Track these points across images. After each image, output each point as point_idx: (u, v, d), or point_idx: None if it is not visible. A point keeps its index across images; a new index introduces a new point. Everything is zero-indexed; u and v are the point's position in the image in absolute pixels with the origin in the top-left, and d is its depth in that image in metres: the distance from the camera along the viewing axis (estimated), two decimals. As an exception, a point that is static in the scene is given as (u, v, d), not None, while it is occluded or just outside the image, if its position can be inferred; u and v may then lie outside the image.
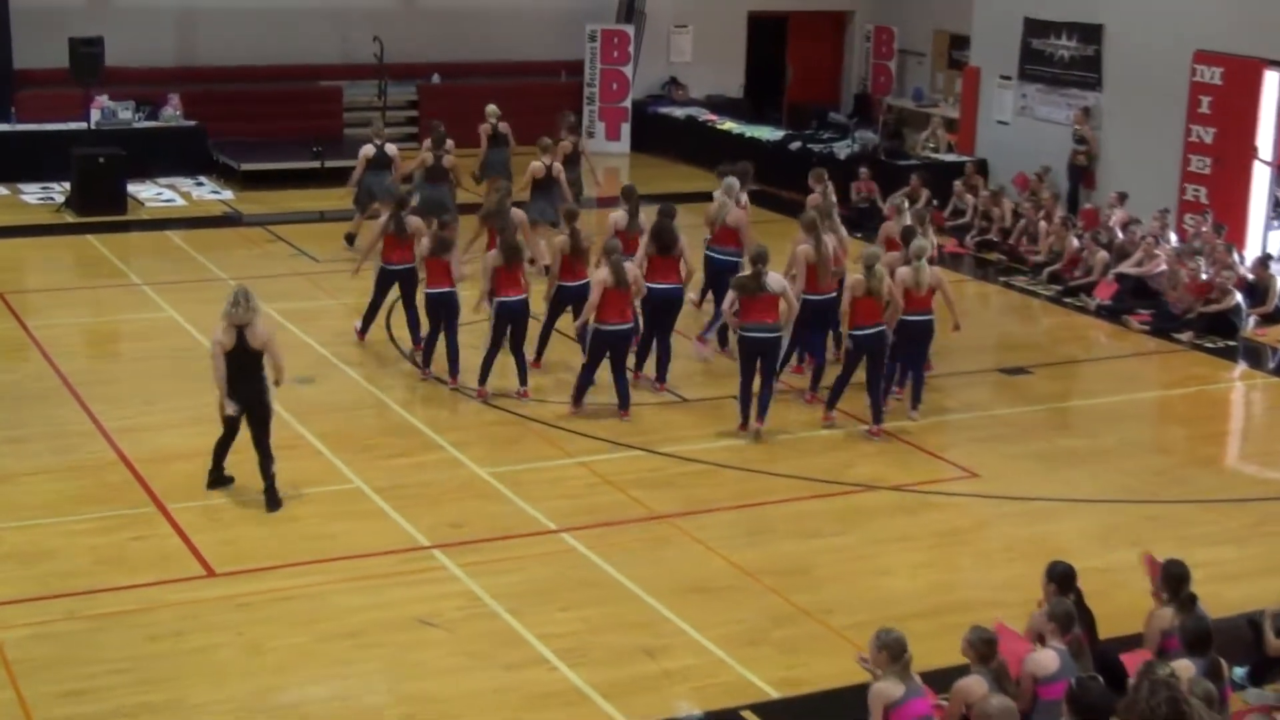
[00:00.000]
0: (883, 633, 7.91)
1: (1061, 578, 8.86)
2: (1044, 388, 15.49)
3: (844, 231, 15.73)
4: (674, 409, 14.16)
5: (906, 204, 16.00)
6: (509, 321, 13.99)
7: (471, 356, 14.44)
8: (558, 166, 18.39)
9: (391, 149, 19.38)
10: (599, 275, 13.62)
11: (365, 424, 13.79)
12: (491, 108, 20.24)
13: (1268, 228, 19.61)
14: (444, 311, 14.34)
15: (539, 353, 15.00)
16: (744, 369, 13.46)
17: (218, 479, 12.00)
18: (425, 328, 14.74)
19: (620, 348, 13.78)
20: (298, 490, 12.01)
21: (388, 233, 15.08)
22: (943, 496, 12.53)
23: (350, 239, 19.27)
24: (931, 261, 13.90)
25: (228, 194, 22.98)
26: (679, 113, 27.35)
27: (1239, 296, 17.38)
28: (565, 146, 19.22)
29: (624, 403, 13.85)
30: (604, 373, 13.82)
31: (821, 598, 10.53)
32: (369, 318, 15.63)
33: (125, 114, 23.60)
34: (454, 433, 13.48)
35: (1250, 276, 17.97)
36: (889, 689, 7.81)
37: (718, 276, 15.31)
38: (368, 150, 19.16)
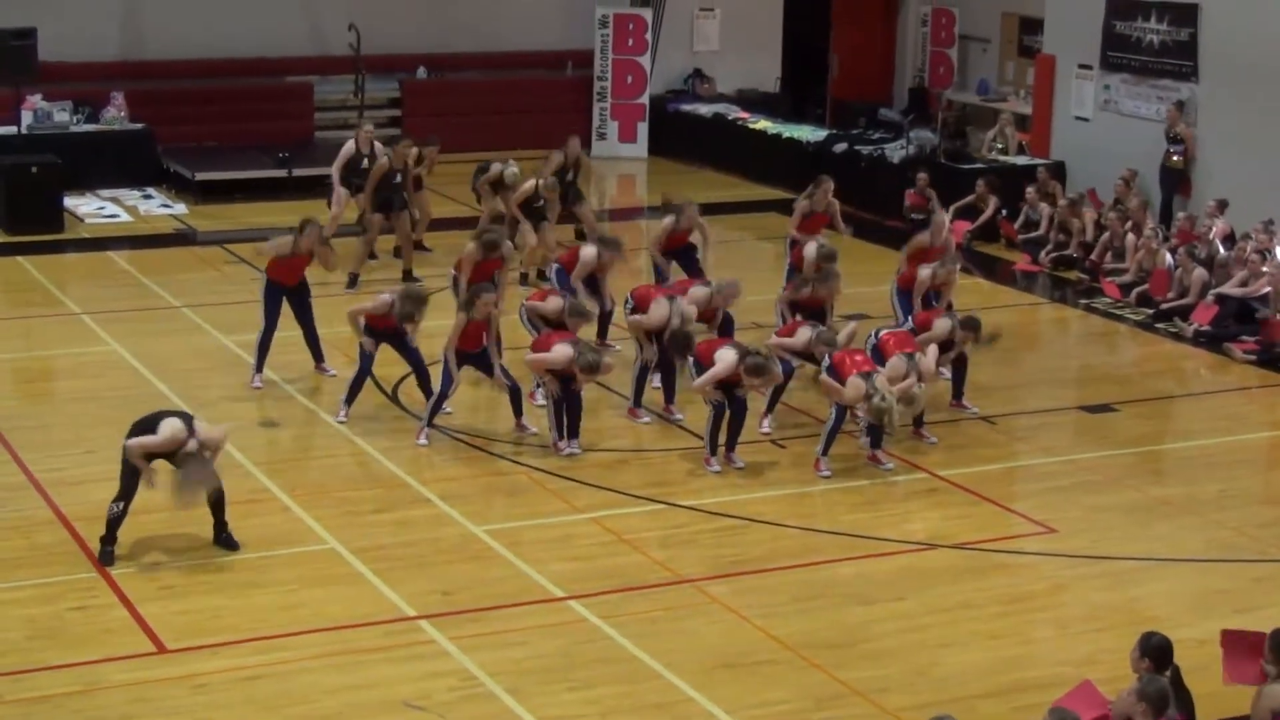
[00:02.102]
0: (938, 720, 7.92)
1: (1157, 651, 8.83)
2: (1132, 428, 15.49)
3: None
4: (699, 455, 14.17)
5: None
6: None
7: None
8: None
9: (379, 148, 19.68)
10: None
11: (340, 474, 13.83)
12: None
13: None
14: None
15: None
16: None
17: (111, 553, 11.90)
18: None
19: None
20: (262, 553, 12.06)
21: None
22: (1014, 556, 12.53)
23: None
24: None
25: (180, 208, 23.08)
26: (705, 110, 27.46)
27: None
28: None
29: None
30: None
31: (874, 675, 10.53)
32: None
33: (62, 116, 23.77)
34: (444, 484, 13.53)
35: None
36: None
37: None
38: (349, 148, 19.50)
